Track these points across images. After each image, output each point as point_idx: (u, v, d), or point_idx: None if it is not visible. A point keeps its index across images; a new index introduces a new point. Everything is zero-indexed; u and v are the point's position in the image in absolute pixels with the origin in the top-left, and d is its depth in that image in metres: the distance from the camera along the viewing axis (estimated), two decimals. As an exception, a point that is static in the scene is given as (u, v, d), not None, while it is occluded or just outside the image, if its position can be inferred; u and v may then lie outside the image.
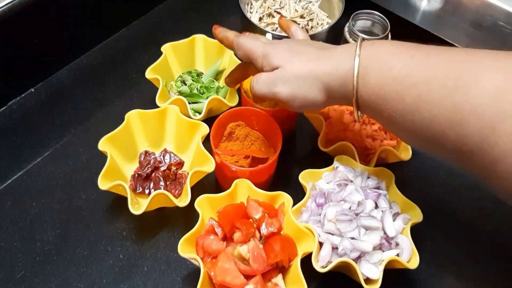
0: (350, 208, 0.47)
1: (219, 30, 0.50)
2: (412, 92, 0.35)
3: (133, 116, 0.55)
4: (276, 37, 0.63)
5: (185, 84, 0.64)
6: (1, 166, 0.57)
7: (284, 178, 0.57)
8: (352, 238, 0.45)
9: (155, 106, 0.58)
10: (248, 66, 0.49)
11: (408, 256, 0.46)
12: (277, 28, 0.71)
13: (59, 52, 0.68)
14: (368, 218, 0.46)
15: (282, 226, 0.49)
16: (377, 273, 0.44)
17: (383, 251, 0.46)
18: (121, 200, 0.51)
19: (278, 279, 0.46)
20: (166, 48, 0.63)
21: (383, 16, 0.63)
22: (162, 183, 0.54)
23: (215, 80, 0.65)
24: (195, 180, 0.52)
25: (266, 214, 0.48)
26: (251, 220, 0.48)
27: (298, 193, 0.51)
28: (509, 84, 0.31)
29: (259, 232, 0.47)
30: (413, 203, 0.49)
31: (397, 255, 0.45)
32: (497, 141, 0.31)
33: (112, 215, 0.54)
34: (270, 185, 0.57)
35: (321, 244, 0.46)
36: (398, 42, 0.39)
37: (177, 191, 0.54)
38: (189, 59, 0.67)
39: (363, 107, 0.40)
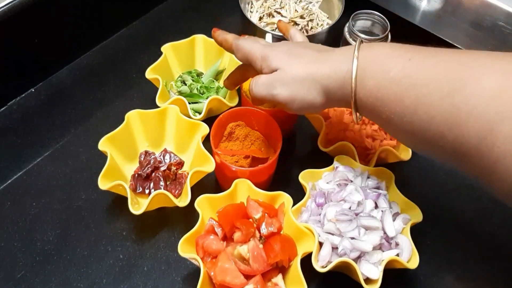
0: (350, 208, 0.47)
1: (218, 33, 0.50)
2: (410, 94, 0.35)
3: (133, 116, 0.55)
4: (275, 37, 0.63)
5: (185, 84, 0.64)
6: (1, 166, 0.57)
7: (284, 178, 0.57)
8: (352, 238, 0.45)
9: (155, 106, 0.58)
10: (247, 68, 0.49)
11: (408, 256, 0.46)
12: (276, 28, 0.71)
13: (59, 52, 0.68)
14: (368, 218, 0.46)
15: (282, 226, 0.49)
16: (377, 273, 0.44)
17: (383, 251, 0.46)
18: (121, 200, 0.51)
19: (278, 279, 0.46)
20: (166, 48, 0.63)
21: (383, 16, 0.64)
22: (162, 183, 0.54)
23: (215, 80, 0.65)
24: (195, 180, 0.53)
25: (266, 214, 0.48)
26: (251, 220, 0.48)
27: (298, 193, 0.51)
28: (507, 85, 0.31)
29: (259, 232, 0.47)
30: (413, 203, 0.49)
31: (397, 255, 0.45)
32: (495, 143, 0.31)
33: (112, 215, 0.54)
34: (270, 185, 0.57)
35: (321, 244, 0.46)
36: (396, 44, 0.39)
37: (177, 191, 0.54)
38: (189, 59, 0.67)
39: (362, 109, 0.40)
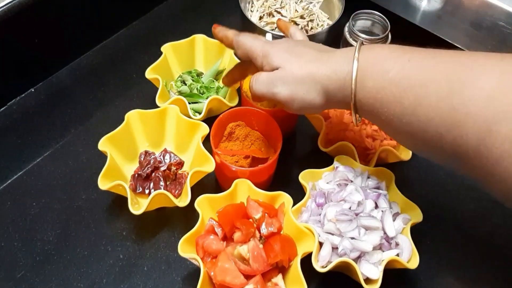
0: (350, 208, 0.47)
1: (219, 29, 0.50)
2: (409, 95, 0.35)
3: (133, 116, 0.55)
4: (275, 37, 0.63)
5: (185, 84, 0.64)
6: (1, 166, 0.57)
7: (284, 178, 0.57)
8: (352, 238, 0.45)
9: (155, 106, 0.58)
10: (246, 66, 0.49)
11: (408, 256, 0.46)
12: (276, 27, 0.71)
13: (59, 52, 0.68)
14: (368, 218, 0.46)
15: (282, 226, 0.49)
16: (377, 273, 0.44)
17: (383, 251, 0.46)
18: (121, 200, 0.51)
19: (278, 279, 0.46)
20: (166, 48, 0.63)
21: (383, 16, 0.63)
22: (162, 183, 0.54)
23: (215, 80, 0.65)
24: (195, 180, 0.52)
25: (266, 214, 0.48)
26: (251, 220, 0.48)
27: (298, 193, 0.51)
28: (504, 86, 0.31)
29: (259, 232, 0.47)
30: (413, 203, 0.49)
31: (397, 255, 0.45)
32: (494, 144, 0.31)
33: (112, 215, 0.54)
34: (270, 185, 0.57)
35: (321, 244, 0.46)
36: (396, 46, 0.39)
37: (177, 191, 0.54)
38: (189, 59, 0.67)
39: (361, 110, 0.40)
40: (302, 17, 0.71)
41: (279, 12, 0.72)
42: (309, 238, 0.46)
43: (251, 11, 0.74)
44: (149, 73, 0.60)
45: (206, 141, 0.53)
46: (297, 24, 0.70)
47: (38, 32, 0.62)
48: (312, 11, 0.72)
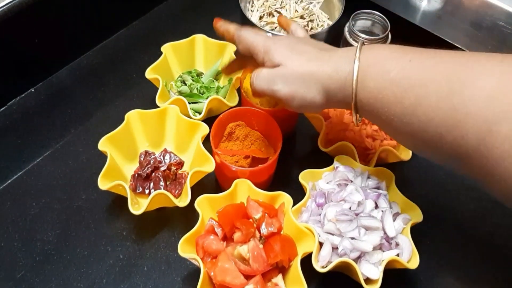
0: (350, 208, 0.47)
1: (220, 24, 0.50)
2: (410, 95, 0.35)
3: (133, 116, 0.55)
4: (276, 37, 0.63)
5: (185, 84, 0.64)
6: (1, 166, 0.57)
7: (284, 178, 0.57)
8: (352, 238, 0.45)
9: (155, 106, 0.58)
10: (247, 59, 0.49)
11: (408, 256, 0.46)
12: (276, 27, 0.71)
13: (59, 52, 0.68)
14: (368, 218, 0.46)
15: (282, 226, 0.49)
16: (377, 273, 0.44)
17: (383, 251, 0.46)
18: (121, 200, 0.51)
19: (278, 279, 0.46)
20: (166, 48, 0.63)
21: (383, 16, 0.63)
22: (162, 183, 0.54)
23: (215, 80, 0.65)
24: (195, 180, 0.52)
25: (266, 214, 0.48)
26: (251, 220, 0.48)
27: (298, 193, 0.51)
28: (504, 86, 0.31)
29: (259, 232, 0.47)
30: (413, 203, 0.49)
31: (397, 255, 0.45)
32: (494, 144, 0.31)
33: (112, 215, 0.54)
34: (270, 185, 0.57)
35: (321, 244, 0.46)
36: (396, 46, 0.39)
37: (177, 191, 0.54)
38: (189, 59, 0.67)
39: (362, 110, 0.40)
40: (302, 17, 0.71)
41: (279, 12, 0.72)
42: (309, 238, 0.46)
43: (251, 11, 0.74)
44: (149, 73, 0.60)
45: (206, 141, 0.53)
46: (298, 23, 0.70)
47: (38, 32, 0.62)
48: (312, 11, 0.72)
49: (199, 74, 0.66)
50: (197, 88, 0.63)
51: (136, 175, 0.55)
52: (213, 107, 0.59)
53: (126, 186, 0.49)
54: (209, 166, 0.50)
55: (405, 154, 0.54)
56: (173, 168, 0.56)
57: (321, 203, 0.49)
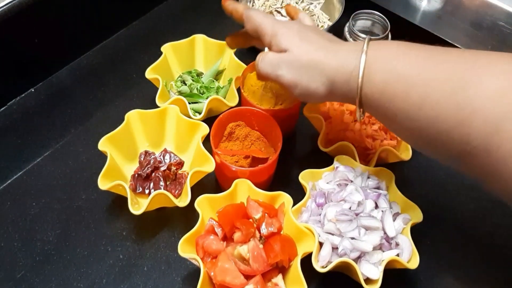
0: (350, 208, 0.47)
1: (229, 3, 0.49)
2: (416, 90, 0.35)
3: (133, 116, 0.55)
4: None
5: (185, 84, 0.64)
6: (1, 166, 0.57)
7: (284, 178, 0.57)
8: (352, 238, 0.45)
9: (155, 106, 0.58)
10: (252, 37, 0.48)
11: (408, 256, 0.46)
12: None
13: (59, 52, 0.68)
14: (368, 218, 0.46)
15: (282, 226, 0.49)
16: (377, 273, 0.44)
17: (383, 251, 0.46)
18: (121, 200, 0.51)
19: (278, 279, 0.46)
20: (166, 48, 0.63)
21: (383, 16, 0.63)
22: (162, 183, 0.54)
23: (215, 80, 0.65)
24: (195, 180, 0.52)
25: (266, 214, 0.48)
26: (251, 220, 0.48)
27: (298, 193, 0.51)
28: (511, 85, 0.31)
29: (259, 232, 0.47)
30: (413, 203, 0.49)
31: (397, 255, 0.45)
32: (501, 142, 0.31)
33: (112, 215, 0.54)
34: (270, 185, 0.57)
35: (321, 244, 0.46)
36: (404, 42, 0.39)
37: (177, 191, 0.54)
38: (189, 59, 0.67)
39: (367, 105, 0.40)
40: (302, 17, 0.71)
41: (279, 12, 0.72)
42: (309, 238, 0.46)
43: (251, 11, 0.74)
44: (149, 73, 0.60)
45: (206, 141, 0.53)
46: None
47: (38, 32, 0.62)
48: (312, 12, 0.72)
49: (199, 74, 0.66)
50: (197, 88, 0.63)
51: (136, 175, 0.55)
52: (213, 107, 0.59)
53: (126, 186, 0.49)
54: (209, 166, 0.50)
55: (405, 154, 0.54)
56: (173, 168, 0.56)
57: (321, 203, 0.49)
